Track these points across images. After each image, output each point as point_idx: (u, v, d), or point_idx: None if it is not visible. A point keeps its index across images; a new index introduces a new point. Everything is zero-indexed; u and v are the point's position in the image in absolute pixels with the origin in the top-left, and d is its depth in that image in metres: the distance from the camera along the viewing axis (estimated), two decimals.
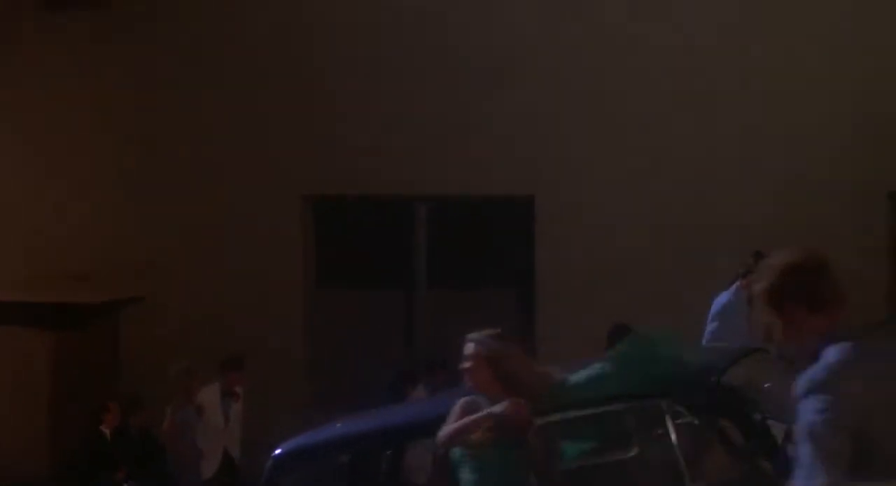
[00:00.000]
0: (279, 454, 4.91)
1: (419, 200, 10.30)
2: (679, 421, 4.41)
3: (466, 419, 4.27)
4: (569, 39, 9.96)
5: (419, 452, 6.88)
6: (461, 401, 4.38)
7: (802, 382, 2.80)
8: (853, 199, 9.08)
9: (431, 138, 10.14)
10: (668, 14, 9.77)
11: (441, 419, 4.36)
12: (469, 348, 4.44)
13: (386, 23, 10.29)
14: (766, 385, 4.68)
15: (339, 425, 5.24)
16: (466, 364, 4.44)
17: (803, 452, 2.71)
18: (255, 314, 10.01)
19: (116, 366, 10.59)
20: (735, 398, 4.56)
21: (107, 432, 9.14)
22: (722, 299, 7.92)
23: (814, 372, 2.81)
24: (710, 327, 7.82)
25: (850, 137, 9.34)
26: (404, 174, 10.14)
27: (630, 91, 9.84)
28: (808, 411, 2.74)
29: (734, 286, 7.87)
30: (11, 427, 10.30)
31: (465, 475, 4.32)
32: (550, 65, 10.01)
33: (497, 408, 4.23)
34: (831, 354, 2.82)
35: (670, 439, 4.27)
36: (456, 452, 4.36)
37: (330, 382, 10.04)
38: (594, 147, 9.89)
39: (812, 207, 9.14)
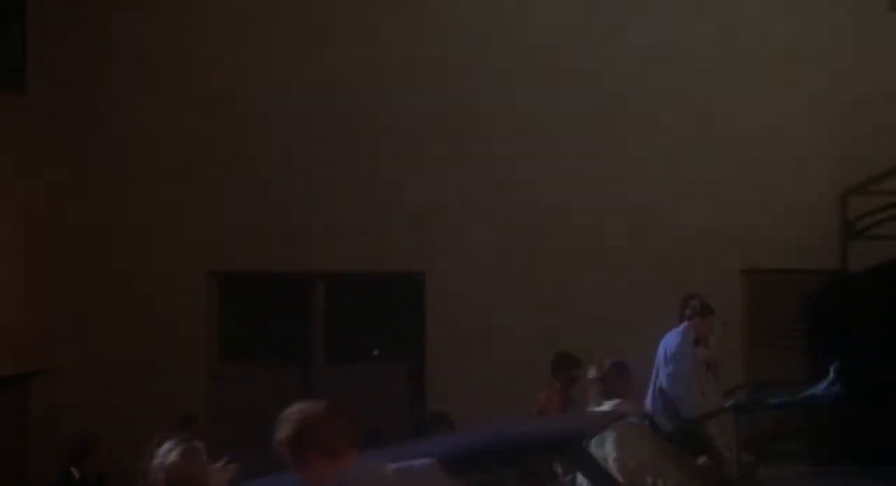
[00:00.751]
0: None
1: (317, 276, 11.08)
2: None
3: None
4: (457, 124, 10.89)
5: None
6: None
7: None
8: (709, 274, 10.12)
9: (328, 218, 10.96)
10: (555, 95, 10.84)
11: None
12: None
13: (286, 104, 11.08)
14: None
15: None
16: None
17: None
18: (160, 387, 10.57)
19: (24, 435, 10.97)
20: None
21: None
22: (673, 340, 8.60)
23: None
24: (668, 369, 8.46)
25: (704, 214, 10.48)
26: (304, 252, 10.92)
27: (512, 176, 10.81)
28: None
29: (682, 327, 8.65)
30: None
31: None
32: (436, 150, 10.90)
33: None
34: None
35: None
36: None
37: (232, 454, 10.58)
38: (480, 226, 10.80)
39: (678, 279, 10.15)
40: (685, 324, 8.63)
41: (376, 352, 11.10)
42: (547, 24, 10.91)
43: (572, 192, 10.79)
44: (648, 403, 8.60)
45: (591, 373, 6.16)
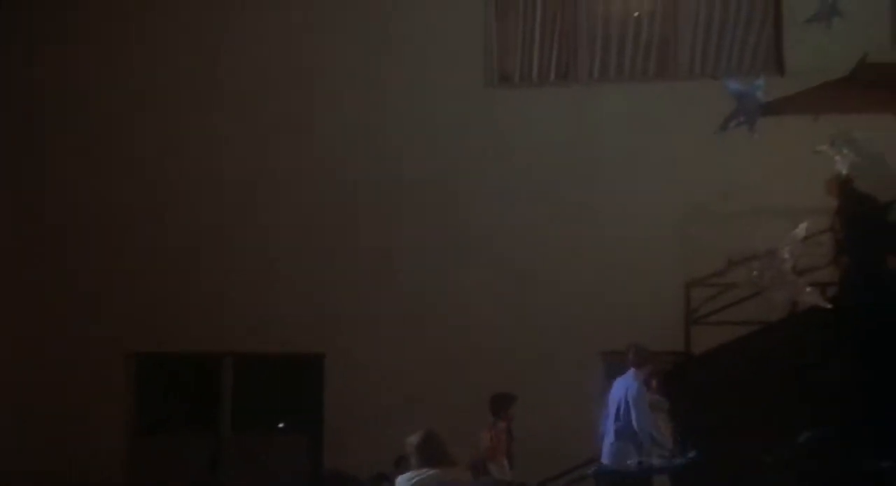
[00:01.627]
0: None
1: (226, 356, 12.36)
2: None
3: None
4: (344, 218, 12.36)
5: None
6: None
7: None
8: (572, 354, 11.59)
9: (237, 301, 12.24)
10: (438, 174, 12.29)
11: None
12: None
13: (197, 191, 12.45)
14: None
15: None
16: None
17: None
18: (79, 463, 11.65)
19: None
20: None
21: None
22: (629, 383, 9.93)
23: None
24: (635, 412, 9.76)
25: (570, 302, 11.88)
26: (214, 333, 12.19)
27: (405, 260, 12.22)
28: None
29: (630, 373, 10.01)
30: None
31: None
32: (332, 242, 12.32)
33: None
34: None
35: None
36: None
37: None
38: (375, 311, 12.16)
39: (546, 358, 11.55)
40: (632, 370, 10.05)
41: (281, 425, 12.43)
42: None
43: (467, 270, 12.14)
44: (604, 450, 9.97)
45: (412, 440, 6.24)
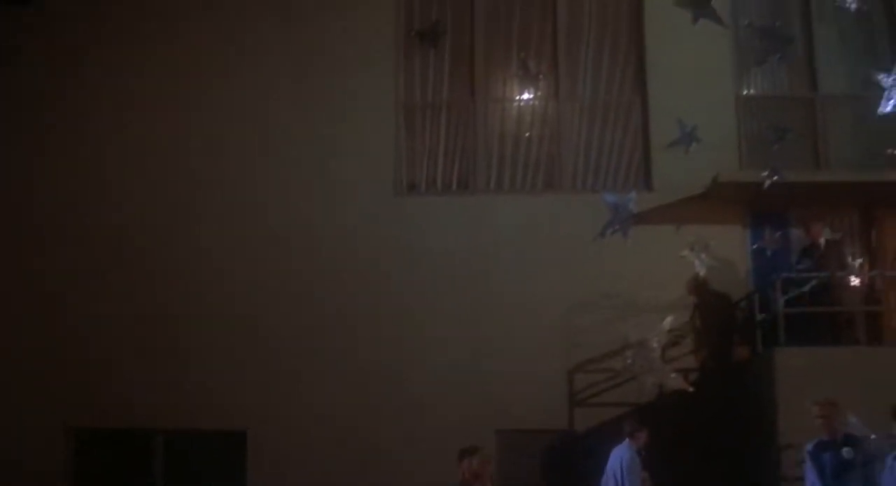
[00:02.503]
0: None
1: (157, 432, 12.86)
2: None
3: None
4: (266, 302, 13.07)
5: None
6: None
7: None
8: (468, 432, 12.37)
9: (169, 378, 12.76)
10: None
11: None
12: None
13: (129, 275, 13.09)
14: None
15: None
16: None
17: None
18: None
19: None
20: None
21: None
22: (623, 453, 10.81)
23: None
24: (631, 479, 10.65)
25: (468, 385, 12.75)
26: (146, 410, 12.69)
27: (329, 342, 12.95)
28: None
29: (625, 443, 10.91)
30: None
31: None
32: (263, 323, 13.03)
33: None
34: None
35: None
36: None
37: None
38: (300, 387, 12.86)
39: (444, 435, 11.93)
40: (627, 441, 11.03)
41: None
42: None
43: (378, 354, 12.85)
44: None
45: None
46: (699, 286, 12.94)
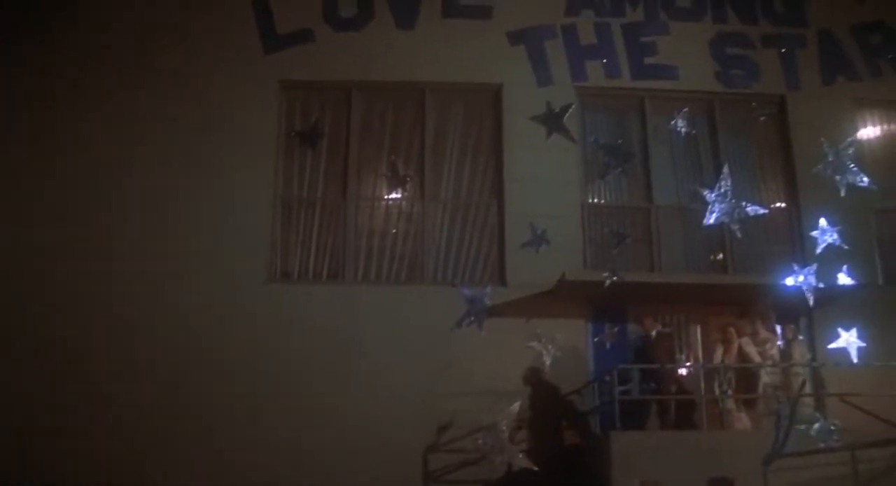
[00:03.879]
0: None
1: None
2: None
3: None
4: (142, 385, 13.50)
5: None
6: None
7: None
8: None
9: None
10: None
11: None
12: None
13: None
14: None
15: None
16: None
17: None
18: None
19: None
20: None
21: None
22: None
23: None
24: None
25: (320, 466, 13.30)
26: None
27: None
28: None
29: None
30: None
31: None
32: (129, 409, 13.38)
33: None
34: None
35: None
36: None
37: None
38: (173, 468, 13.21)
39: None
40: None
41: None
42: None
43: (243, 432, 13.26)
44: None
45: None
46: (532, 377, 13.74)
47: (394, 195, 15.12)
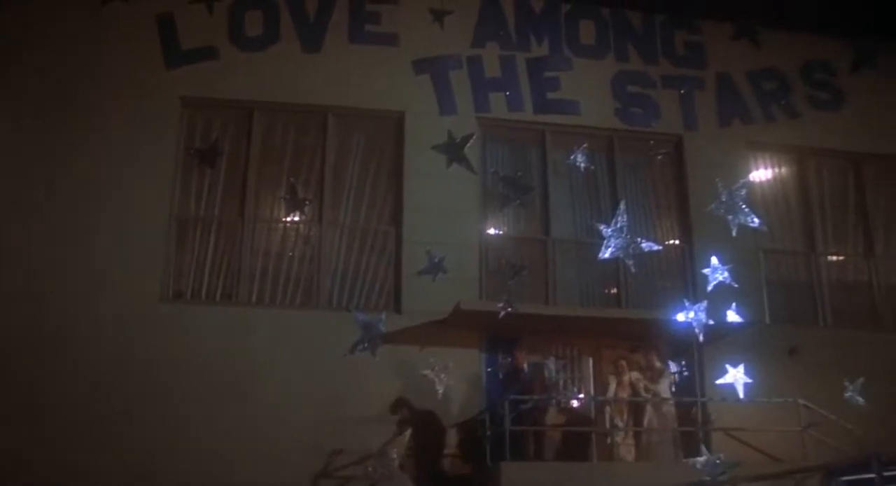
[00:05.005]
0: None
1: None
2: None
3: None
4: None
5: None
6: None
7: None
8: None
9: None
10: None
11: None
12: None
13: None
14: None
15: None
16: None
17: None
18: None
19: None
20: None
21: None
22: None
23: None
24: None
25: None
26: None
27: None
28: None
29: None
30: None
31: None
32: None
33: None
34: None
35: None
36: None
37: None
38: None
39: None
40: None
41: None
42: None
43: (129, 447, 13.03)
44: None
45: None
46: (402, 406, 13.91)
47: (292, 218, 15.15)
